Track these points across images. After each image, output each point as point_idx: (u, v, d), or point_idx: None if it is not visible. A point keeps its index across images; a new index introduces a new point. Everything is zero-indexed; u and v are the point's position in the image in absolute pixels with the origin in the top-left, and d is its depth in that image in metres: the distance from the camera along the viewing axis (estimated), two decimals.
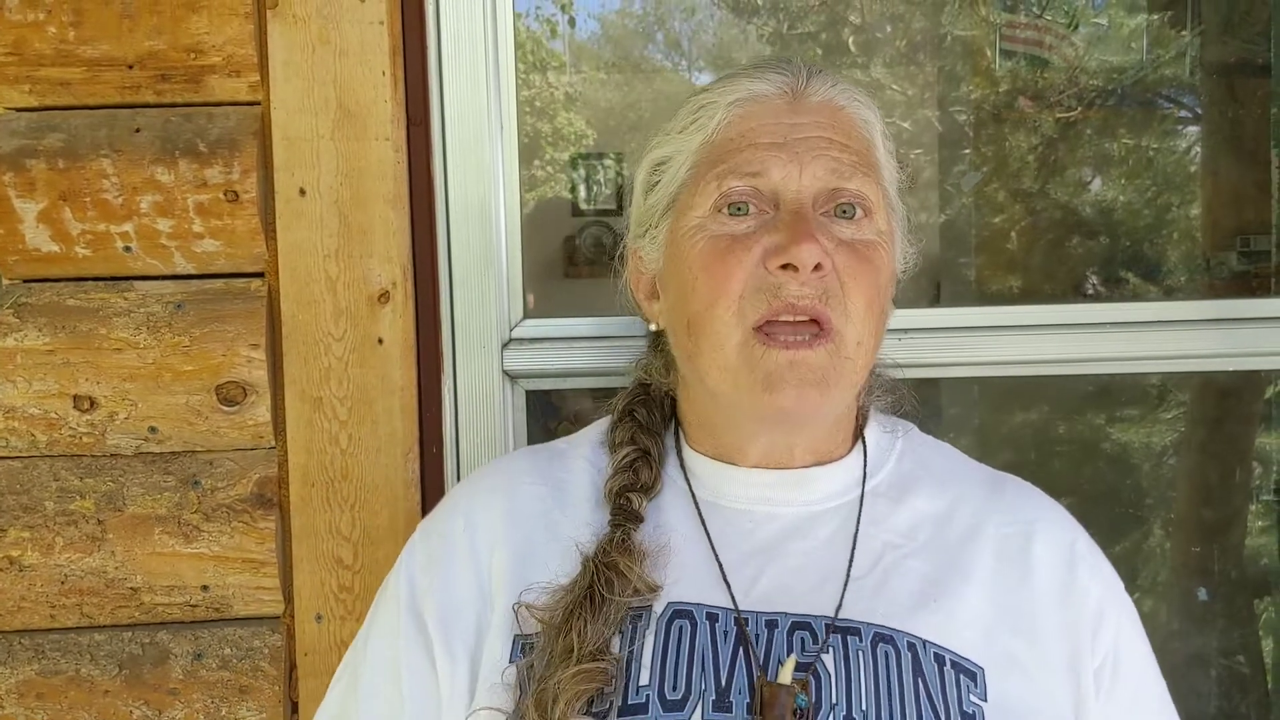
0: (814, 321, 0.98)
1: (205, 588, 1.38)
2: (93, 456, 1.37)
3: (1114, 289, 2.52)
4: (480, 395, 1.43)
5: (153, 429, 1.36)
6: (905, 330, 1.50)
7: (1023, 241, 2.69)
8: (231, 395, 1.36)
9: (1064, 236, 2.63)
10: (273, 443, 1.37)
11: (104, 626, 1.38)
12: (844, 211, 1.01)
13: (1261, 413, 1.88)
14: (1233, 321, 1.50)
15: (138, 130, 1.35)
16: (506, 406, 1.44)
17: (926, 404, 2.44)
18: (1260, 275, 1.74)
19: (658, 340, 1.16)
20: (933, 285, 2.67)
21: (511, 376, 1.45)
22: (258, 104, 1.35)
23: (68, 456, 1.37)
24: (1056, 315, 1.54)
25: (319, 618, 1.37)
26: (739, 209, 1.01)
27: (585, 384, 1.47)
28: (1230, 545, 2.02)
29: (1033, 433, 2.42)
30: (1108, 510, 2.29)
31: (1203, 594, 2.07)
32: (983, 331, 1.51)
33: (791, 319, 0.97)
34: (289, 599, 1.39)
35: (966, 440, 2.45)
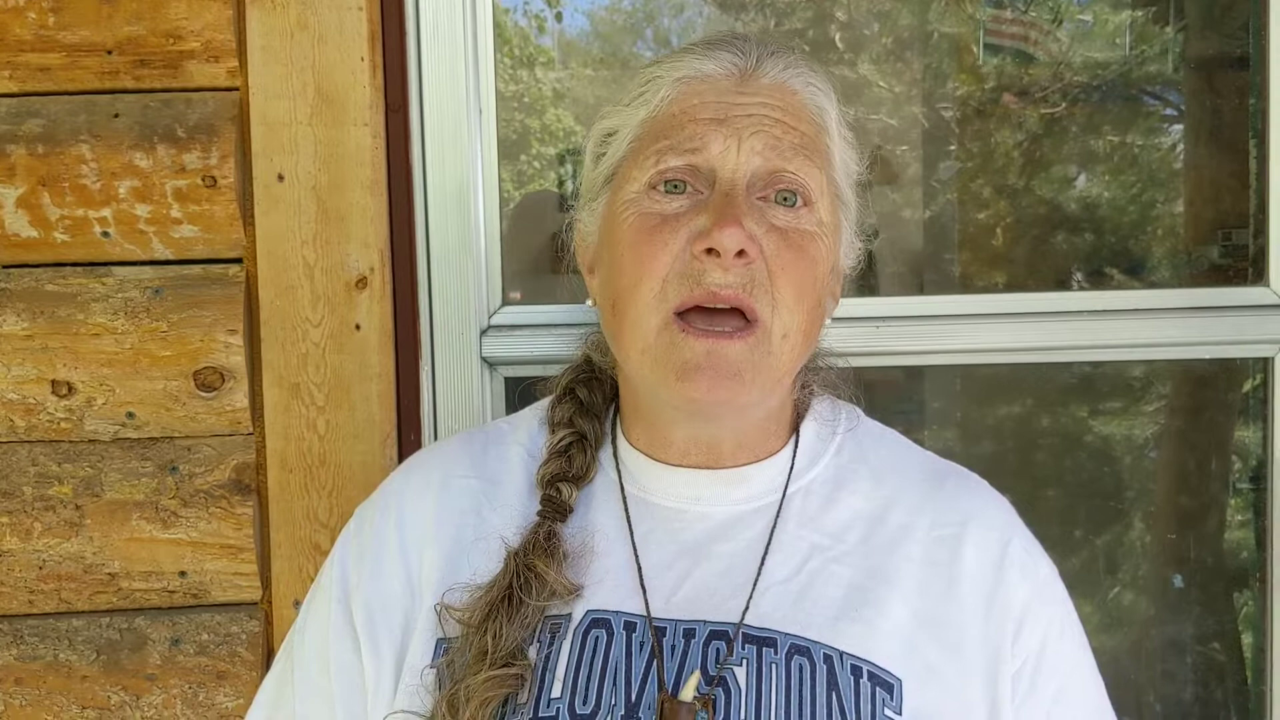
0: (738, 312, 0.94)
1: (183, 573, 1.38)
2: (71, 442, 1.37)
3: (1098, 285, 2.53)
4: (458, 382, 1.43)
5: (130, 415, 1.36)
6: (883, 319, 1.51)
7: (1007, 237, 2.70)
8: (209, 381, 1.36)
9: (1048, 232, 2.64)
10: (250, 428, 1.37)
11: (82, 612, 1.38)
12: (785, 199, 0.97)
13: (1240, 405, 1.89)
14: (1209, 310, 1.51)
15: (116, 116, 1.35)
16: (485, 393, 1.44)
17: (910, 398, 2.45)
18: (1238, 268, 1.75)
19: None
20: (916, 280, 2.68)
21: (490, 363, 1.46)
22: (236, 90, 1.36)
23: (46, 442, 1.37)
24: (1034, 304, 1.54)
25: (297, 604, 1.37)
26: (676, 186, 0.97)
27: None
28: (1211, 536, 2.03)
29: (1015, 425, 2.42)
30: (1089, 502, 2.30)
31: (1177, 581, 2.08)
32: (961, 320, 1.52)
33: (712, 306, 0.94)
34: (267, 585, 1.39)
35: (950, 432, 2.46)
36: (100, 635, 1.38)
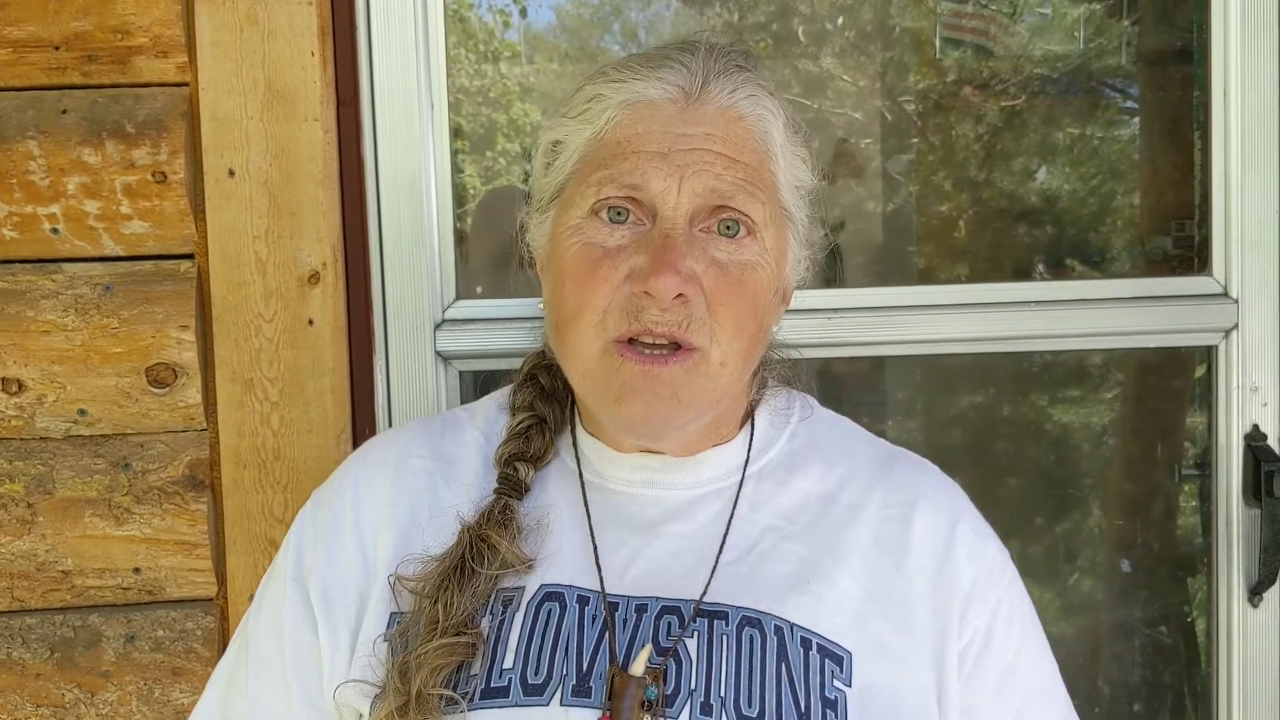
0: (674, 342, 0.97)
1: (137, 570, 1.37)
2: (22, 440, 1.37)
3: (1059, 277, 2.55)
4: (412, 376, 1.44)
5: (82, 411, 1.36)
6: (841, 310, 1.52)
7: (968, 229, 2.72)
8: (161, 377, 1.36)
9: (1009, 224, 2.67)
10: (204, 425, 1.37)
11: (35, 610, 1.38)
12: (727, 228, 0.98)
13: (1191, 392, 1.91)
14: (1156, 299, 1.53)
15: (64, 112, 1.34)
16: (439, 387, 1.45)
17: (872, 389, 2.47)
18: (1189, 259, 1.77)
19: None
20: (878, 273, 2.70)
21: (444, 357, 1.46)
22: (185, 85, 1.35)
23: None
24: (988, 294, 1.56)
25: (253, 599, 1.37)
26: (619, 214, 0.98)
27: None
28: (1162, 522, 2.07)
29: (976, 414, 2.45)
30: (1049, 490, 2.32)
31: (1125, 566, 2.12)
32: (916, 311, 1.53)
33: (650, 340, 0.96)
34: (222, 581, 1.39)
35: (913, 423, 2.49)
36: (54, 633, 1.38)
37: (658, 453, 1.05)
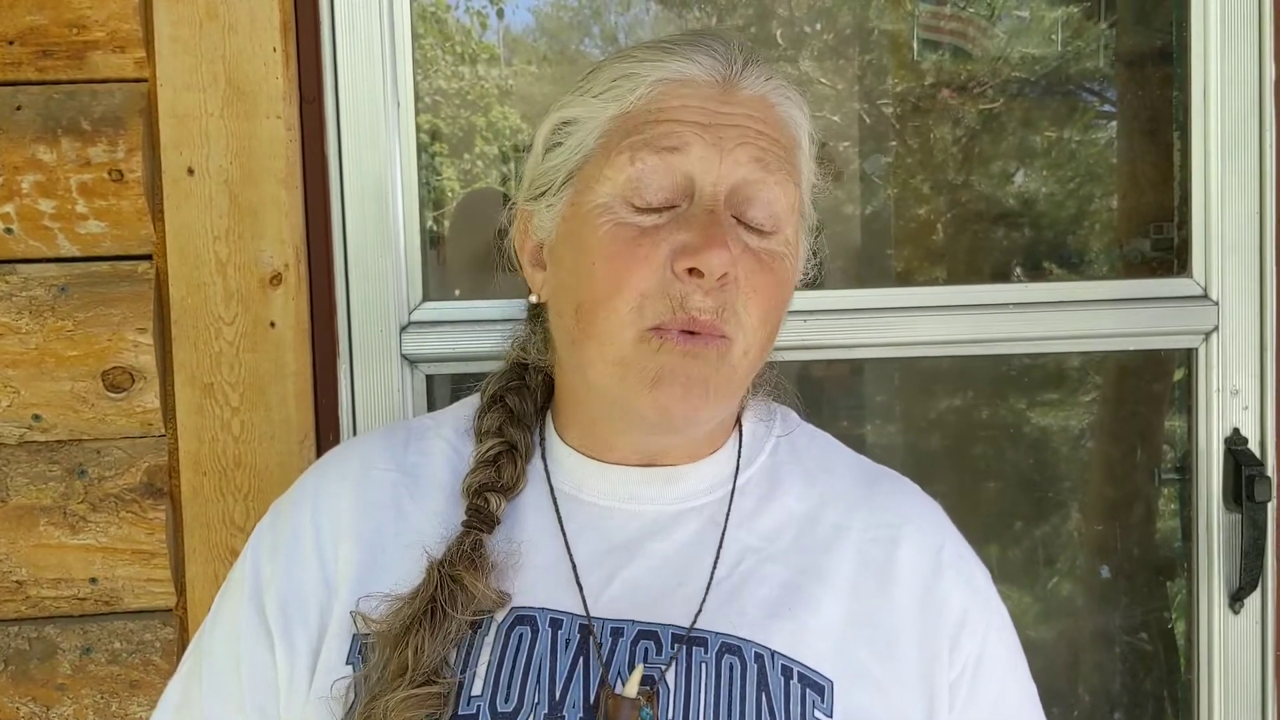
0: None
1: (94, 580, 1.34)
2: None
3: (1036, 279, 2.54)
4: (378, 380, 1.40)
5: (36, 417, 1.32)
6: (817, 312, 1.50)
7: (946, 232, 2.71)
8: (118, 381, 1.32)
9: (987, 227, 2.65)
10: (162, 430, 1.34)
11: None
12: (754, 223, 0.95)
13: (1170, 395, 1.90)
14: (1136, 301, 1.52)
15: (19, 108, 1.31)
16: (405, 391, 1.42)
17: (850, 393, 2.45)
18: (1168, 261, 1.75)
19: (538, 314, 1.09)
20: (856, 276, 2.68)
21: (410, 361, 1.43)
22: (144, 81, 1.32)
23: None
24: (966, 296, 1.54)
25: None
26: (649, 205, 0.94)
27: (488, 369, 1.44)
28: (1142, 526, 2.05)
29: (955, 418, 2.43)
30: (1027, 494, 2.31)
31: (1104, 572, 2.10)
32: (893, 312, 1.51)
33: (689, 331, 0.92)
34: (181, 591, 1.35)
35: (892, 426, 2.47)
36: (8, 645, 1.34)
37: (653, 464, 1.01)
